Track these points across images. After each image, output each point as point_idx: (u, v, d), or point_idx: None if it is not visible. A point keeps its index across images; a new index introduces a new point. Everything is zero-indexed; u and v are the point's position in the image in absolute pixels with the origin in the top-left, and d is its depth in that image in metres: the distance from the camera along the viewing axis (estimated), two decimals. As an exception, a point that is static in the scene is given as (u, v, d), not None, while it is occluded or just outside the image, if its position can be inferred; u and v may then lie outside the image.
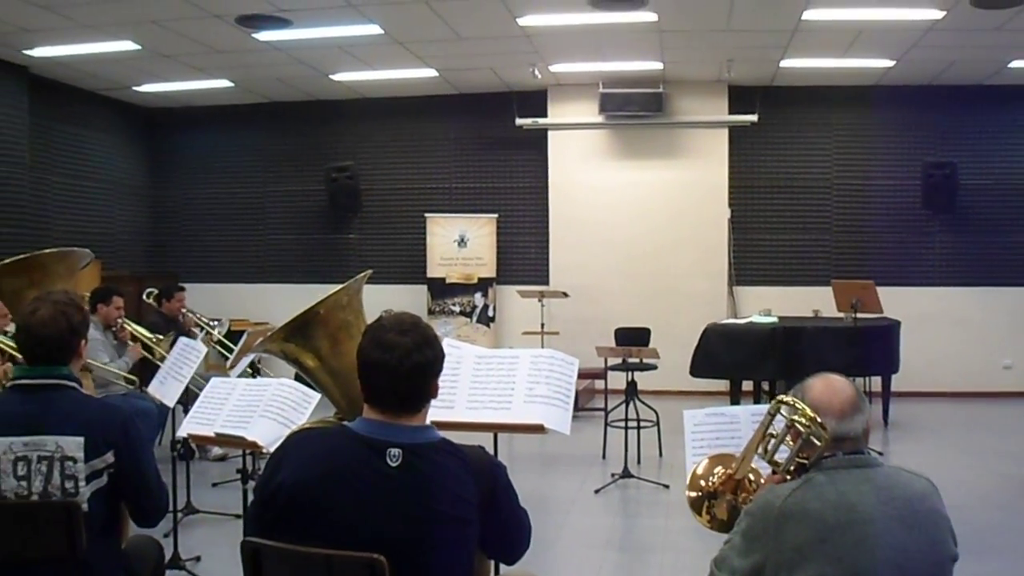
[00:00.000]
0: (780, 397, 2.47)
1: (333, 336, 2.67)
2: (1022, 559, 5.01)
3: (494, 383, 3.21)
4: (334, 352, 2.66)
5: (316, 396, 3.66)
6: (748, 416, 3.22)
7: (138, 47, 8.88)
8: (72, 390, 2.80)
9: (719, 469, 2.81)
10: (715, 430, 3.19)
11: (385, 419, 2.20)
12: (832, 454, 2.25)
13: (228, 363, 6.62)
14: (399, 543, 2.09)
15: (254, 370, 6.71)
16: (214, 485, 6.55)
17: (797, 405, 2.36)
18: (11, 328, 4.00)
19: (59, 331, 2.77)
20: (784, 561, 2.10)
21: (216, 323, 7.63)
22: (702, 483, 2.79)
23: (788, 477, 2.39)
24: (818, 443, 2.28)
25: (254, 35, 8.44)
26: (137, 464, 2.78)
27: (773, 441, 2.53)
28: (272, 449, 3.47)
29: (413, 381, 2.20)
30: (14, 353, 3.45)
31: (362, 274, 2.88)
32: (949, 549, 2.20)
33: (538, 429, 3.11)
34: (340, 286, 2.71)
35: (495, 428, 3.34)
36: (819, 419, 2.28)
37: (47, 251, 3.77)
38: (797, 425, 2.34)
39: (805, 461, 2.35)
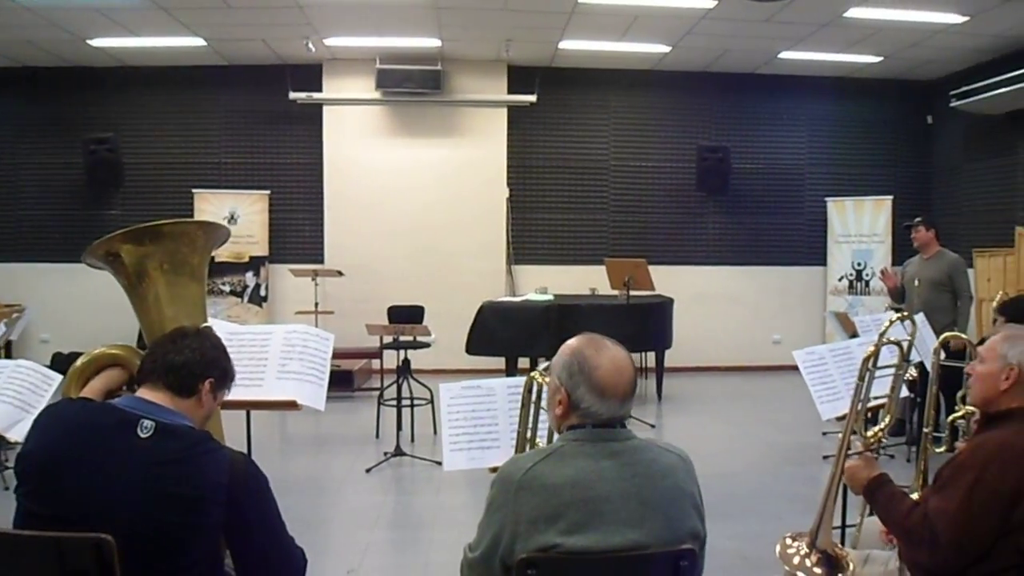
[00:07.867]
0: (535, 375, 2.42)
1: (171, 263, 2.69)
2: (777, 519, 5.30)
3: (246, 360, 3.15)
4: (164, 282, 2.69)
5: (57, 378, 3.46)
6: (504, 389, 3.31)
7: None
8: None
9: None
10: (472, 403, 3.27)
11: (152, 398, 2.26)
12: (581, 425, 2.19)
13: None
14: (134, 517, 2.05)
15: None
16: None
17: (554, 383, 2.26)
18: None
19: None
20: (520, 532, 2.09)
21: None
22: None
23: None
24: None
25: (-2, -7, 7.81)
26: None
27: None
28: (11, 434, 3.36)
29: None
30: None
31: (225, 228, 2.95)
32: (689, 525, 2.17)
33: (291, 405, 3.08)
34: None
35: (247, 405, 3.28)
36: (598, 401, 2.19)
37: None
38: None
39: None
